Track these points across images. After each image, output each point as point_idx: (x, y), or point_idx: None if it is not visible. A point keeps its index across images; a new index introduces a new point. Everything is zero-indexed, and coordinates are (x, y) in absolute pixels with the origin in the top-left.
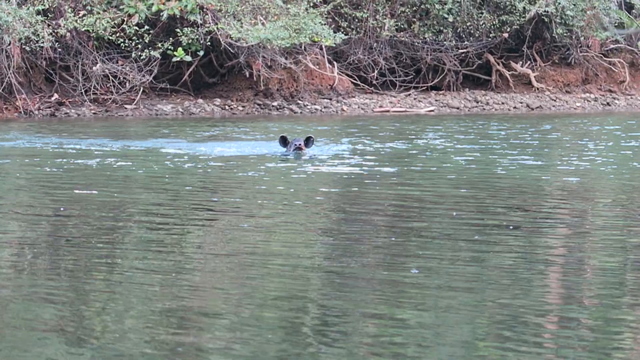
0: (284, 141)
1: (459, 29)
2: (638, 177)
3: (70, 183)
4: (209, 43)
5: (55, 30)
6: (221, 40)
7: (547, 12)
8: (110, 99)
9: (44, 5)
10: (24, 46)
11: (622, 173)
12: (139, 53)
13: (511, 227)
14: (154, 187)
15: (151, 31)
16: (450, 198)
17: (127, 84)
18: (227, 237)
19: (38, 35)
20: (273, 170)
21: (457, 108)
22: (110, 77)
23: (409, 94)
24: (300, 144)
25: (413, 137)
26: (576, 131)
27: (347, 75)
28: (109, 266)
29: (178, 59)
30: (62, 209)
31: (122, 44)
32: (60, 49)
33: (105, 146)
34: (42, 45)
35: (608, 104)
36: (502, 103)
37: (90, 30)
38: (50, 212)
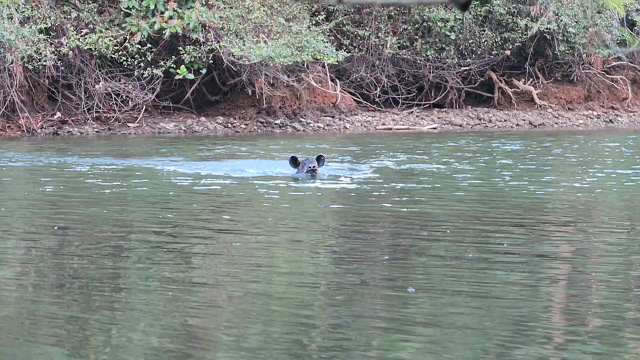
0: (294, 162)
1: (461, 47)
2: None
3: (74, 201)
4: (211, 61)
5: (58, 49)
6: (223, 58)
7: (549, 29)
8: (113, 117)
9: (47, 24)
10: (26, 65)
11: (625, 191)
12: (142, 71)
13: (505, 245)
14: (160, 205)
15: (154, 49)
16: (456, 215)
17: (130, 102)
18: (232, 256)
19: (40, 53)
20: (280, 188)
21: (460, 125)
22: (113, 95)
23: (412, 112)
24: (314, 166)
25: (419, 154)
26: (579, 148)
27: (350, 93)
28: (113, 283)
29: (180, 77)
30: (55, 227)
31: (124, 62)
32: (62, 68)
33: (111, 165)
34: (44, 63)
35: (611, 121)
36: (505, 120)
37: (93, 49)
38: (53, 230)
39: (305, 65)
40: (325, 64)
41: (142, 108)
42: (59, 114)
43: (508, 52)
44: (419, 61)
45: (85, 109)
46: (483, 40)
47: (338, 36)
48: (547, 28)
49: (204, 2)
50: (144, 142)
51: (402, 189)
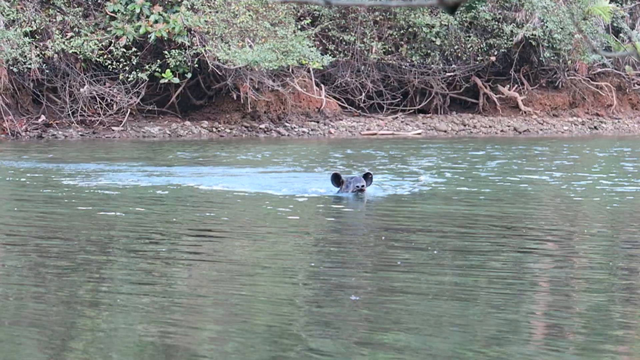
0: (337, 180)
1: (446, 52)
2: (625, 201)
3: (58, 206)
4: (196, 65)
5: (43, 52)
6: (209, 62)
7: (535, 35)
8: (97, 120)
9: (32, 27)
10: (11, 67)
11: (609, 197)
12: (127, 75)
13: (435, 251)
14: (151, 214)
15: (139, 53)
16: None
17: (115, 105)
18: (215, 268)
19: (25, 56)
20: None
21: (445, 131)
22: (98, 98)
23: (396, 117)
24: (362, 185)
25: (405, 160)
26: (564, 155)
27: (335, 98)
28: (95, 288)
29: (165, 81)
30: None
31: (109, 66)
32: (47, 71)
33: (111, 170)
34: (29, 66)
35: (595, 127)
36: (490, 126)
37: (78, 52)
38: (35, 234)
39: (290, 70)
40: (311, 69)
41: (126, 112)
42: (43, 117)
43: (493, 58)
44: (404, 67)
45: (70, 112)
46: (468, 46)
47: (323, 41)
48: (532, 34)
49: (189, 7)
50: (130, 146)
51: (395, 195)
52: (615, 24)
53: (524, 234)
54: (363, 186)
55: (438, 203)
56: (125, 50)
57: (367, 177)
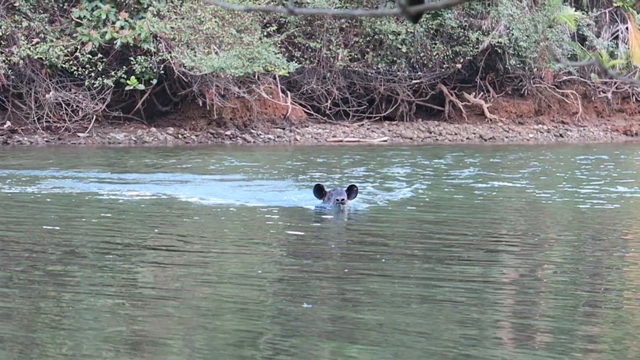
0: (319, 191)
1: (412, 60)
2: (592, 207)
3: (21, 216)
4: (162, 72)
5: (8, 58)
6: (174, 68)
7: (501, 43)
8: (63, 127)
9: None
10: None
11: (574, 203)
12: (92, 81)
13: (383, 260)
14: (110, 224)
15: (104, 59)
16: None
17: (80, 112)
18: (181, 277)
19: None
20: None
21: (410, 138)
22: (63, 105)
23: (362, 124)
24: (342, 198)
25: (373, 167)
26: (530, 162)
27: (301, 104)
28: (61, 295)
29: (131, 87)
30: None
31: (75, 72)
32: (13, 77)
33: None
34: None
35: (561, 135)
36: (455, 134)
37: (44, 58)
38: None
39: (256, 77)
40: (277, 76)
41: (92, 118)
42: (8, 123)
43: (459, 66)
44: (370, 74)
45: (36, 118)
46: (434, 54)
47: (289, 48)
48: (498, 42)
49: (155, 13)
50: (96, 153)
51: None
52: (580, 32)
53: (493, 241)
54: (343, 199)
55: (409, 211)
56: (90, 57)
57: (352, 189)
